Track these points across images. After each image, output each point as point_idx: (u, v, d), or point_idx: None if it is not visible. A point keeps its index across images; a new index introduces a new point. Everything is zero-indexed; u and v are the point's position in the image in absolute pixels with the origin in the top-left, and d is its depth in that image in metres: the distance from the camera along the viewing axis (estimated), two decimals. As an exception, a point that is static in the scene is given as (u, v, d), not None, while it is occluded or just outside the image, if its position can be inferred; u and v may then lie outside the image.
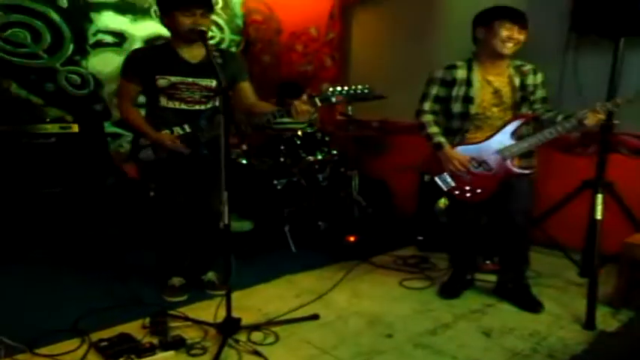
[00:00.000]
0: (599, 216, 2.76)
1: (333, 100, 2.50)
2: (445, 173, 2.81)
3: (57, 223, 3.84)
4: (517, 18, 2.63)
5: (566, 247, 3.26)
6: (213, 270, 3.06)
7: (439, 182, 2.84)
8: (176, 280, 2.97)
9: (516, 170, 2.72)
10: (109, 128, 4.46)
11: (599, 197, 2.80)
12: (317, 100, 2.49)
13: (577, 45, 3.36)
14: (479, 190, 2.77)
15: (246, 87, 2.90)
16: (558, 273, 3.24)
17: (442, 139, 2.76)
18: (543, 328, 2.55)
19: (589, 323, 2.53)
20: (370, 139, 4.70)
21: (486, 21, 2.69)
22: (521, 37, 2.64)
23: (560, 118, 2.63)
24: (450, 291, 2.97)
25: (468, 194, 2.80)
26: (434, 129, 2.79)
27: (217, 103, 2.77)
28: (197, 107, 2.79)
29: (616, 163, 3.19)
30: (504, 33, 2.61)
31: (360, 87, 2.50)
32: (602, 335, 2.42)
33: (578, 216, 3.10)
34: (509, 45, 2.63)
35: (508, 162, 2.71)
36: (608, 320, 2.57)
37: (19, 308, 2.72)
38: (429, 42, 4.34)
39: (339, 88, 2.49)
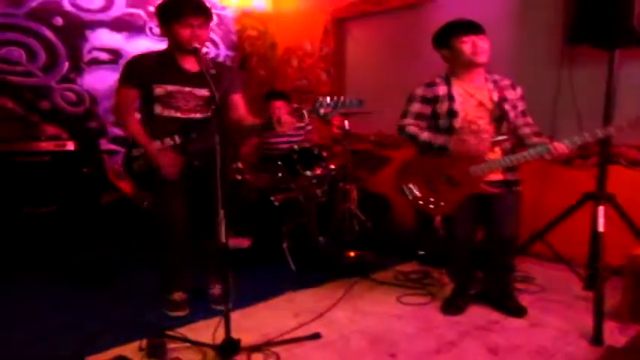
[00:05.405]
0: (601, 228, 2.73)
1: (322, 112, 2.40)
2: (411, 184, 2.79)
3: (52, 243, 3.80)
4: (469, 28, 2.64)
5: (570, 261, 3.22)
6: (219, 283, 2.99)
7: (405, 191, 2.82)
8: (177, 295, 2.92)
9: (485, 187, 2.67)
10: (105, 145, 4.45)
11: (601, 209, 2.77)
12: (305, 112, 2.44)
13: (571, 58, 3.32)
14: (442, 203, 2.74)
15: (238, 99, 2.90)
16: (563, 287, 3.18)
17: (442, 138, 2.69)
18: (550, 344, 2.50)
19: (597, 339, 2.47)
20: (368, 153, 4.67)
21: (444, 42, 2.71)
22: (484, 44, 2.65)
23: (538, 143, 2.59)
24: (453, 307, 2.91)
25: (432, 206, 2.76)
26: (426, 134, 2.75)
27: (209, 113, 2.78)
28: (192, 116, 2.79)
29: (616, 175, 3.16)
30: (467, 48, 2.63)
31: (348, 99, 2.41)
32: (610, 351, 2.36)
33: (581, 229, 3.07)
34: (480, 54, 2.63)
35: (478, 179, 2.67)
36: (615, 335, 2.52)
37: (9, 332, 2.66)
38: (421, 55, 4.31)
39: (328, 100, 2.39)
